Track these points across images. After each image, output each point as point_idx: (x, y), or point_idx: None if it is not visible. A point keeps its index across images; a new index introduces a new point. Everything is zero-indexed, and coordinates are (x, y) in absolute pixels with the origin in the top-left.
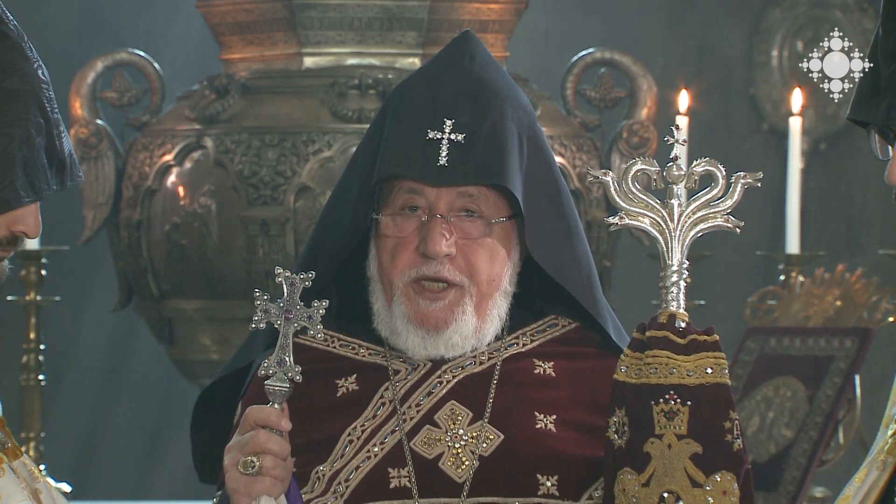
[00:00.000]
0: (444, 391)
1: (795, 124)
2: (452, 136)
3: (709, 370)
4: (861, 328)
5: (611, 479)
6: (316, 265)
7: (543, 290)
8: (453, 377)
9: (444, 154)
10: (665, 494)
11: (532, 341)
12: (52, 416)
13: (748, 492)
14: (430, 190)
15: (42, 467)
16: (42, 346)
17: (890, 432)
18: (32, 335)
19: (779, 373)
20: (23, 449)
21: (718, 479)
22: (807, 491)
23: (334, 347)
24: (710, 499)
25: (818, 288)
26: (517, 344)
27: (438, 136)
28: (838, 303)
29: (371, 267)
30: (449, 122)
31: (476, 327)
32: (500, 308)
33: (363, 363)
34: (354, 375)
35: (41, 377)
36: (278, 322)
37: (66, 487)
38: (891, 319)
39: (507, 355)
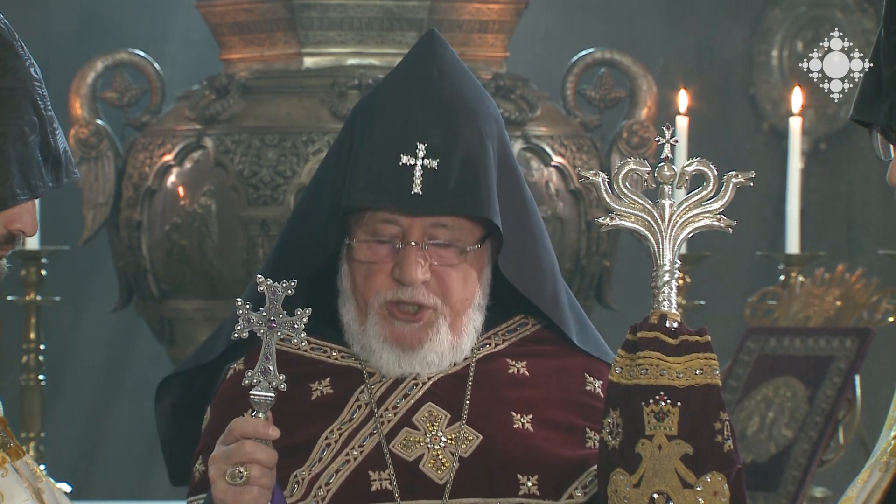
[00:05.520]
0: (420, 393)
1: (795, 124)
2: (426, 162)
3: (698, 371)
4: (861, 328)
5: (604, 479)
6: (285, 275)
7: (510, 288)
8: (429, 379)
9: (417, 182)
10: (655, 495)
11: (504, 341)
12: (52, 416)
13: (740, 492)
14: (404, 217)
15: (42, 467)
16: (42, 346)
17: (893, 434)
18: (32, 335)
19: (779, 373)
20: (23, 448)
21: (709, 480)
22: (807, 491)
23: (306, 351)
24: (700, 499)
25: (818, 288)
26: (490, 344)
27: (412, 162)
28: (838, 303)
29: (344, 283)
30: (422, 147)
31: (452, 344)
32: (475, 321)
33: (336, 366)
34: (328, 378)
35: (41, 377)
36: (261, 331)
37: (67, 487)
38: (891, 319)
39: (480, 356)
